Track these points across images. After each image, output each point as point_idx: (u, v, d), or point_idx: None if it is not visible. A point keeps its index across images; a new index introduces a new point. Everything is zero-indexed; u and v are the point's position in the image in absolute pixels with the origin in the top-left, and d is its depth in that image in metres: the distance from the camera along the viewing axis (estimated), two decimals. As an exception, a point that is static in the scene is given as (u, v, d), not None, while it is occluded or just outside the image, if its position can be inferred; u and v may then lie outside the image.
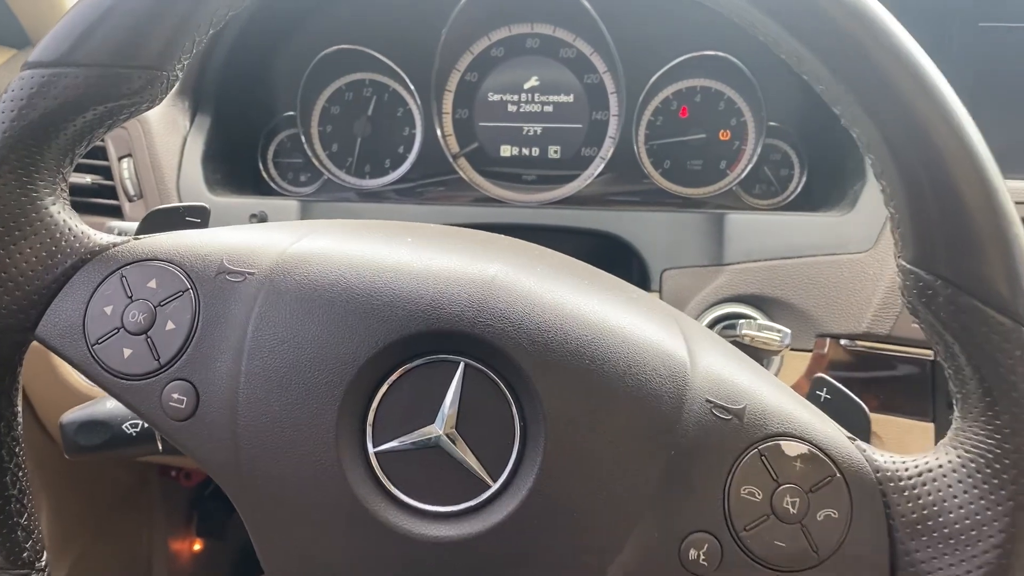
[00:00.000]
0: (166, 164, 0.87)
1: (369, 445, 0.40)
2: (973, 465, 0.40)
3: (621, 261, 0.87)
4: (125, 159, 0.88)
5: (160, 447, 0.61)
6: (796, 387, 0.68)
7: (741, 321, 0.69)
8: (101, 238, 0.45)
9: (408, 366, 0.40)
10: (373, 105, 1.00)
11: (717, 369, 0.42)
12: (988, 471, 0.39)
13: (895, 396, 0.78)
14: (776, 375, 0.70)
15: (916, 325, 0.41)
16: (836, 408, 0.45)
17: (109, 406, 0.62)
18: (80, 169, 0.85)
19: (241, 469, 0.40)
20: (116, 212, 0.87)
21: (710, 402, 0.40)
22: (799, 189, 0.97)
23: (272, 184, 1.02)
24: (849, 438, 0.42)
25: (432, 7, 0.94)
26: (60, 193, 0.44)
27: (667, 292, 0.83)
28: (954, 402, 0.42)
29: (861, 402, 0.46)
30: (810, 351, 0.79)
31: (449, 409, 0.40)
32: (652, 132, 0.98)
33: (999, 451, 0.39)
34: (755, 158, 0.95)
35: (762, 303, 0.80)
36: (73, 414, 0.63)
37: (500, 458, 0.39)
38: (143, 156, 0.87)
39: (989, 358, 0.38)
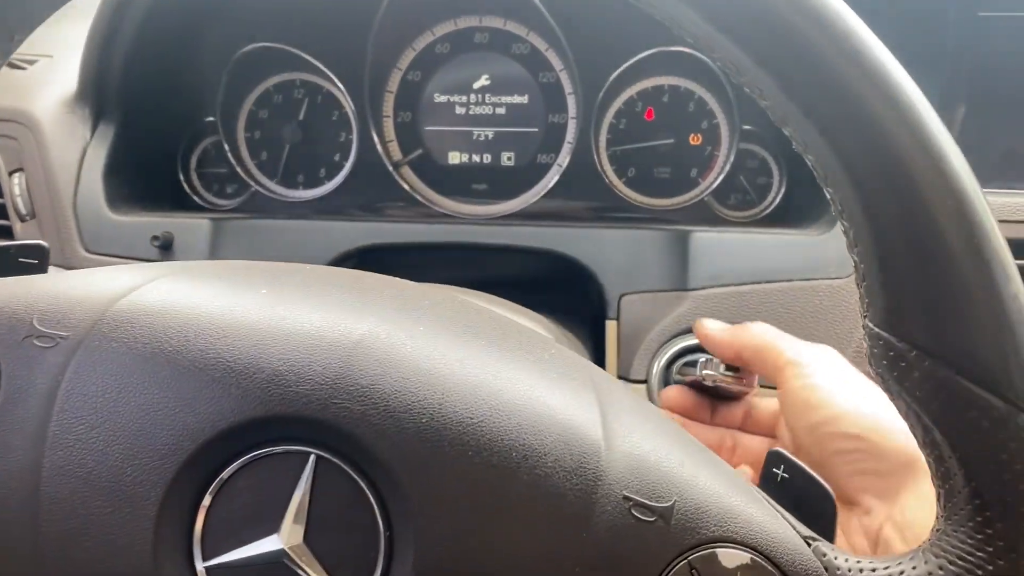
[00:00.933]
0: (62, 180, 0.78)
1: (197, 560, 0.33)
2: None
3: (578, 284, 0.79)
4: (16, 174, 0.79)
5: None
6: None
7: (701, 359, 0.60)
8: None
9: (243, 460, 0.33)
10: (305, 108, 0.91)
11: (640, 452, 0.34)
12: None
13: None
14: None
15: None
16: (795, 492, 0.38)
17: None
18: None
19: None
20: (7, 234, 0.78)
21: (629, 499, 0.33)
22: (778, 200, 0.88)
23: (194, 197, 0.92)
24: (807, 539, 0.34)
25: (364, -1, 0.85)
26: None
27: (626, 320, 0.74)
28: (936, 498, 0.34)
29: (826, 484, 0.38)
30: (784, 391, 0.70)
31: (296, 515, 0.32)
32: (615, 137, 0.89)
33: (990, 568, 0.31)
34: (729, 165, 0.86)
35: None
36: None
37: None
38: (36, 170, 0.78)
39: (977, 449, 0.31)
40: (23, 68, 0.85)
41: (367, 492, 0.33)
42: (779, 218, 0.87)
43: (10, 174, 0.79)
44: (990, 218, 0.30)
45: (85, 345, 0.35)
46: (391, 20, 0.85)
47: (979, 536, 0.32)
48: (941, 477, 0.33)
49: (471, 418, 0.33)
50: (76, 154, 0.80)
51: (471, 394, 0.34)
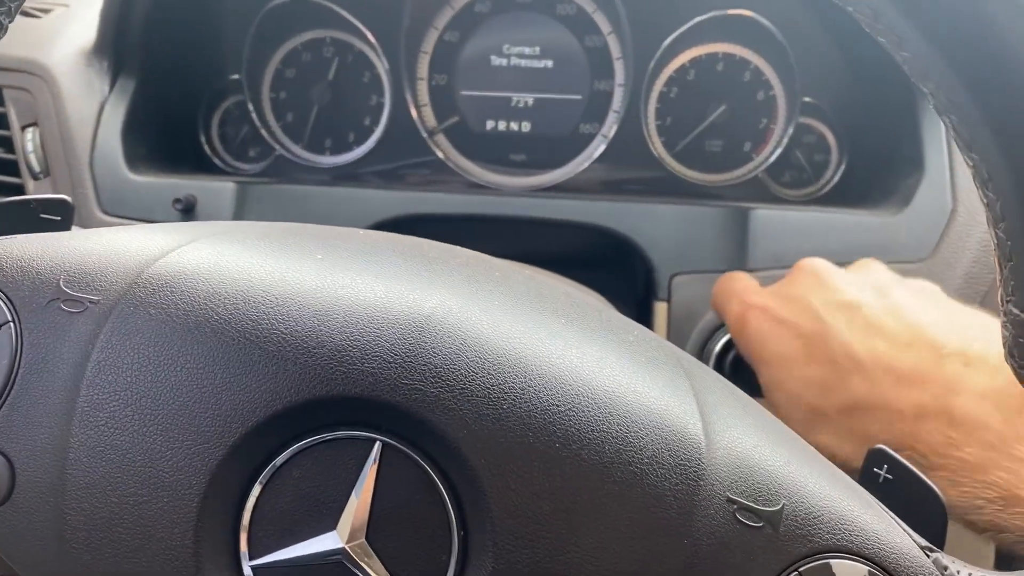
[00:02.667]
0: (78, 136, 0.75)
1: (243, 558, 0.30)
2: None
3: (624, 263, 0.76)
4: (29, 128, 0.75)
5: None
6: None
7: None
8: None
9: (300, 445, 0.30)
10: (335, 68, 0.87)
11: (743, 449, 0.32)
12: None
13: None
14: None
15: None
16: (900, 495, 0.35)
17: None
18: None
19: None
20: (18, 192, 0.74)
21: (733, 502, 0.31)
22: (836, 178, 0.84)
23: (215, 160, 0.89)
24: (924, 549, 0.32)
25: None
26: None
27: (677, 302, 0.71)
28: None
29: (935, 486, 0.35)
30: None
31: (358, 510, 0.30)
32: (664, 106, 0.85)
33: None
34: (786, 140, 0.83)
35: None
36: None
37: None
38: (51, 126, 0.75)
39: None
40: (37, 16, 0.81)
41: (439, 486, 0.30)
42: (835, 199, 0.84)
43: (23, 128, 0.75)
44: None
45: (118, 311, 0.32)
46: (431, -26, 0.81)
47: None
48: None
49: (558, 406, 0.30)
50: (93, 110, 0.76)
51: (557, 378, 0.31)
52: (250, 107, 0.85)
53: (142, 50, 0.79)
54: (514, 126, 0.88)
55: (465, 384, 0.30)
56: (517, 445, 0.30)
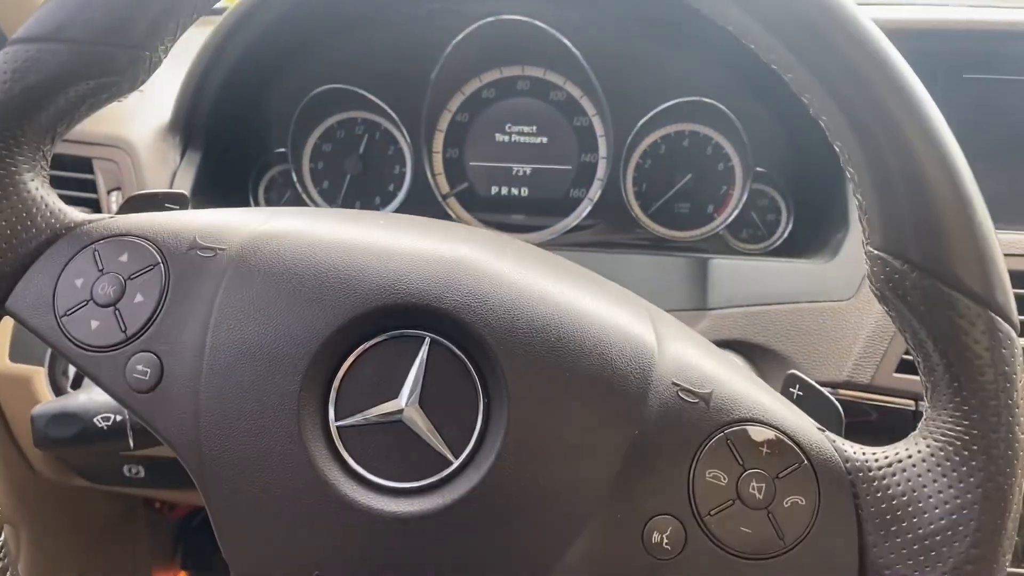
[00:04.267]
0: None
1: (331, 419, 0.40)
2: (943, 454, 0.39)
3: None
4: (114, 192, 0.88)
5: (131, 443, 0.61)
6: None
7: None
8: (77, 215, 0.45)
9: (372, 341, 0.40)
10: (364, 143, 1.00)
11: (685, 354, 0.42)
12: (957, 459, 0.39)
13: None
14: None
15: (890, 312, 0.41)
16: (809, 405, 0.45)
17: (81, 399, 0.62)
18: (71, 202, 0.86)
19: (202, 442, 0.40)
20: (104, 245, 0.87)
21: (676, 385, 0.40)
22: (785, 235, 0.97)
23: (262, 219, 1.01)
24: (819, 428, 0.42)
25: (424, 49, 0.95)
26: (40, 170, 0.45)
27: None
28: (924, 391, 0.42)
29: (835, 400, 0.46)
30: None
31: (412, 385, 0.40)
32: (640, 175, 0.99)
33: (967, 438, 0.39)
34: (742, 203, 0.96)
35: (744, 348, 0.80)
36: (45, 407, 0.63)
37: (463, 435, 0.39)
38: (131, 190, 0.87)
39: (955, 342, 0.38)
40: (120, 100, 0.95)
41: (470, 368, 0.40)
42: (786, 251, 0.96)
43: (108, 192, 0.88)
44: (963, 161, 0.39)
45: (241, 254, 0.42)
46: (447, 69, 0.96)
47: (957, 414, 0.39)
48: (927, 372, 0.41)
49: (553, 315, 0.41)
50: (167, 176, 0.89)
51: (552, 298, 0.41)
52: (293, 176, 0.99)
53: (207, 129, 0.92)
54: (515, 191, 1.00)
55: (488, 299, 0.40)
56: (524, 341, 0.39)
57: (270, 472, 0.39)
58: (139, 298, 0.42)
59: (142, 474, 0.97)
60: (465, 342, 0.40)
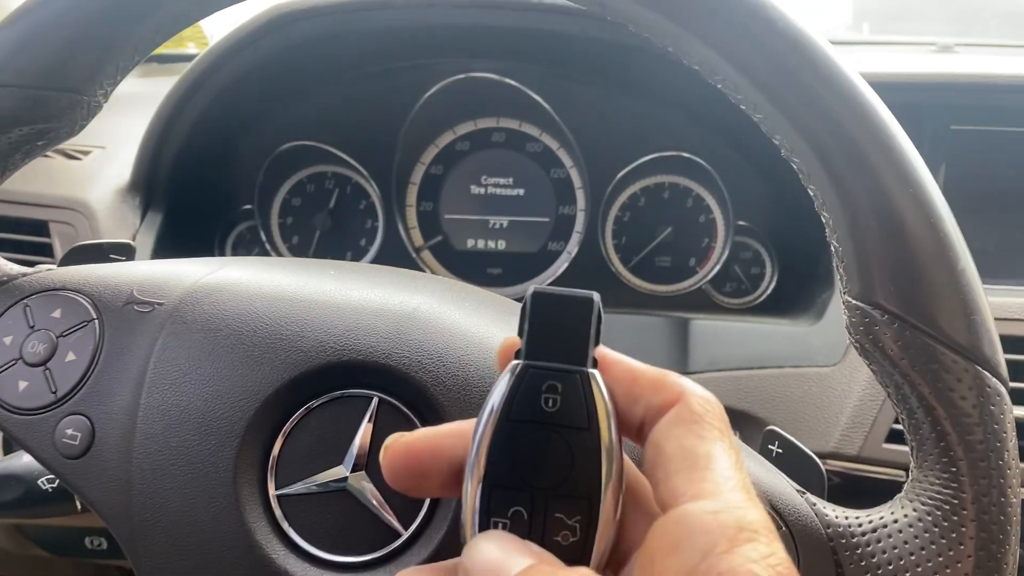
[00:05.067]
0: None
1: (270, 488, 0.38)
2: (930, 519, 0.37)
3: None
4: None
5: (78, 506, 0.58)
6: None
7: None
8: (10, 268, 0.44)
9: (316, 402, 0.38)
10: (335, 197, 0.98)
11: None
12: (946, 524, 0.36)
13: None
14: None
15: (870, 366, 0.38)
16: (788, 464, 0.43)
17: (25, 459, 0.60)
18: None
19: (133, 512, 0.38)
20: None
21: None
22: (770, 290, 0.94)
23: (229, 277, 0.99)
24: (798, 491, 0.39)
25: (393, 105, 0.93)
26: None
27: None
28: (910, 451, 0.39)
29: (816, 457, 0.43)
30: (777, 469, 0.76)
31: (359, 449, 0.38)
32: (620, 228, 0.96)
33: (956, 502, 0.36)
34: (725, 256, 0.93)
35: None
36: None
37: (412, 504, 0.37)
38: None
39: (940, 399, 0.36)
40: (79, 159, 0.92)
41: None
42: (771, 306, 0.93)
43: None
44: (944, 205, 0.36)
45: (180, 309, 0.41)
46: (418, 122, 0.93)
47: (945, 475, 0.36)
48: (912, 431, 0.38)
49: None
50: (126, 239, 0.86)
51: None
52: (261, 233, 0.96)
53: (169, 188, 0.89)
54: (491, 244, 0.98)
55: (442, 355, 0.38)
56: (476, 396, 0.38)
57: (205, 545, 0.37)
58: (71, 356, 0.40)
59: (104, 546, 0.94)
60: (416, 402, 0.38)
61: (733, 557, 0.23)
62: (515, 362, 0.28)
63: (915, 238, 0.35)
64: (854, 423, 0.74)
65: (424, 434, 0.30)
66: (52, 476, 0.57)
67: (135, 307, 0.41)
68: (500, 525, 0.27)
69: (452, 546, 0.36)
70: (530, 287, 0.30)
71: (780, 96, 0.36)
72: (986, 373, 0.36)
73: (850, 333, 0.38)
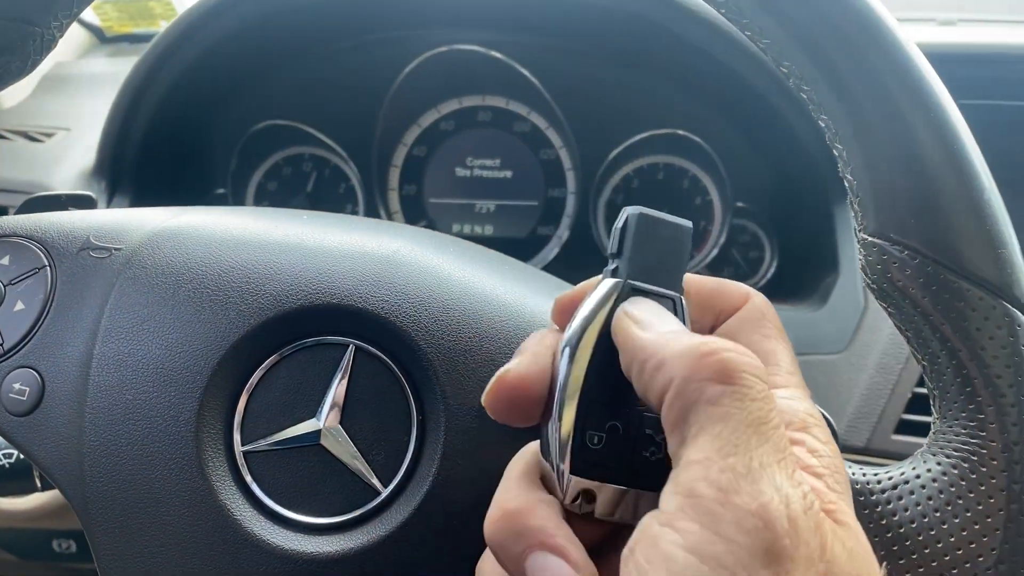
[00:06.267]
0: None
1: (236, 444, 0.35)
2: (956, 472, 0.34)
3: None
4: None
5: (39, 484, 0.55)
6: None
7: None
8: None
9: (286, 350, 0.35)
10: (313, 181, 0.93)
11: None
12: (973, 476, 0.33)
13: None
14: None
15: (888, 311, 0.35)
16: None
17: None
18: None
19: (86, 472, 0.35)
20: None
21: None
22: (770, 274, 0.91)
23: (202, 266, 0.94)
24: None
25: (372, 80, 0.89)
26: None
27: None
28: (931, 400, 0.36)
29: (829, 416, 0.40)
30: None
31: (333, 401, 0.35)
32: (612, 211, 0.92)
33: (984, 452, 0.33)
34: (723, 239, 0.89)
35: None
36: None
37: (392, 459, 0.35)
38: None
39: (966, 340, 0.33)
40: (41, 141, 0.87)
41: (402, 380, 0.35)
42: (772, 291, 0.89)
43: None
44: (966, 130, 0.33)
45: (138, 254, 0.38)
46: (399, 99, 0.89)
47: (972, 424, 0.33)
48: (934, 378, 0.35)
49: (499, 318, 0.36)
50: (87, 192, 0.82)
51: (498, 298, 0.37)
52: None
53: (136, 171, 0.84)
54: (478, 229, 0.94)
55: (424, 300, 0.35)
56: (465, 349, 0.35)
57: (164, 506, 0.34)
58: (19, 306, 0.38)
59: (73, 549, 0.90)
60: (396, 350, 0.35)
61: (804, 435, 0.28)
62: (613, 280, 0.30)
63: (935, 167, 0.32)
64: (861, 413, 0.70)
65: (530, 359, 0.30)
66: (9, 451, 0.53)
67: (91, 252, 0.39)
68: (596, 439, 0.28)
69: (435, 503, 0.34)
70: (626, 209, 0.31)
71: (789, 17, 0.34)
72: (1016, 311, 0.33)
73: (865, 274, 0.36)
